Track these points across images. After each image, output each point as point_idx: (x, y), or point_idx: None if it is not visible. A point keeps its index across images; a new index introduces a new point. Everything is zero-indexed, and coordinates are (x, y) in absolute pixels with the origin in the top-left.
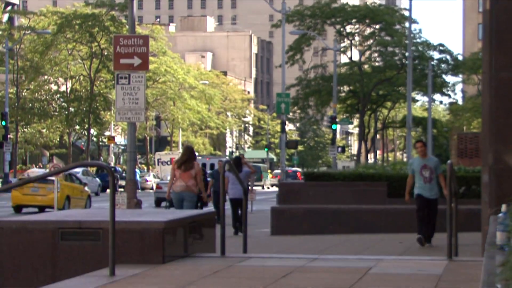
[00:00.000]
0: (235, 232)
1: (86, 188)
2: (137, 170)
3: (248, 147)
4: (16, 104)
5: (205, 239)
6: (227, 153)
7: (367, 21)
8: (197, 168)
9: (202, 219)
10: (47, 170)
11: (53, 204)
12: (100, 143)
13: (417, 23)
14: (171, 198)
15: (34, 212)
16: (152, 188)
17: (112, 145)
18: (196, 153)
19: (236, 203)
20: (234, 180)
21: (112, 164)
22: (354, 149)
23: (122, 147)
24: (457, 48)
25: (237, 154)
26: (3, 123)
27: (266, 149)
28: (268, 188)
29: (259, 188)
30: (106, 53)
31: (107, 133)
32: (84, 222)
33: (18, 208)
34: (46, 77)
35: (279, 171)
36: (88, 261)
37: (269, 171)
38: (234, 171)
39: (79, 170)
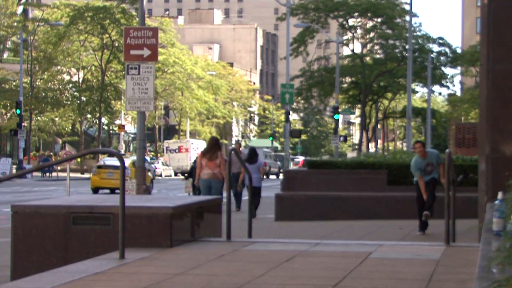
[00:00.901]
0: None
1: (149, 174)
2: (147, 157)
3: (254, 136)
4: (30, 93)
5: (211, 224)
6: (233, 142)
7: (369, 14)
8: (221, 157)
9: (209, 205)
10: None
11: None
12: (111, 132)
13: (417, 16)
14: (199, 185)
15: (106, 193)
16: (161, 175)
17: (122, 133)
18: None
19: (252, 190)
20: (251, 168)
21: (122, 152)
22: (355, 139)
23: (132, 135)
24: (456, 41)
25: (244, 143)
26: (18, 111)
27: (270, 138)
28: None
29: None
30: (116, 45)
31: (117, 121)
32: (95, 207)
33: (95, 190)
34: (59, 67)
35: (300, 159)
36: (99, 245)
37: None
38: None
39: None
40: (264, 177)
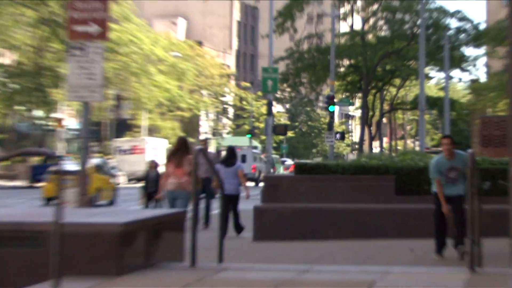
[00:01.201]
0: (238, 232)
1: (111, 181)
2: (96, 159)
3: (227, 133)
4: None
5: (172, 245)
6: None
7: None
8: (190, 163)
9: (170, 220)
10: None
11: None
12: (45, 127)
13: None
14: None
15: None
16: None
17: (63, 129)
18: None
19: (229, 200)
20: (226, 173)
21: (61, 153)
22: (355, 136)
23: (75, 133)
24: (479, 15)
25: (216, 142)
26: None
27: (248, 135)
28: None
29: None
30: (58, 20)
31: (56, 115)
32: (22, 224)
33: (49, 200)
34: None
35: (290, 162)
36: (28, 273)
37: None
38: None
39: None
40: (253, 184)
